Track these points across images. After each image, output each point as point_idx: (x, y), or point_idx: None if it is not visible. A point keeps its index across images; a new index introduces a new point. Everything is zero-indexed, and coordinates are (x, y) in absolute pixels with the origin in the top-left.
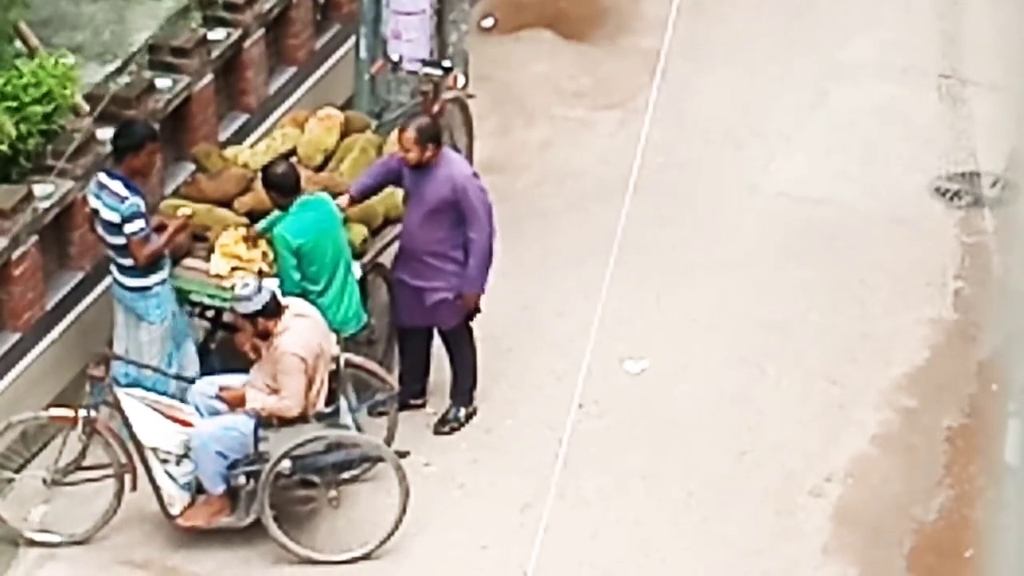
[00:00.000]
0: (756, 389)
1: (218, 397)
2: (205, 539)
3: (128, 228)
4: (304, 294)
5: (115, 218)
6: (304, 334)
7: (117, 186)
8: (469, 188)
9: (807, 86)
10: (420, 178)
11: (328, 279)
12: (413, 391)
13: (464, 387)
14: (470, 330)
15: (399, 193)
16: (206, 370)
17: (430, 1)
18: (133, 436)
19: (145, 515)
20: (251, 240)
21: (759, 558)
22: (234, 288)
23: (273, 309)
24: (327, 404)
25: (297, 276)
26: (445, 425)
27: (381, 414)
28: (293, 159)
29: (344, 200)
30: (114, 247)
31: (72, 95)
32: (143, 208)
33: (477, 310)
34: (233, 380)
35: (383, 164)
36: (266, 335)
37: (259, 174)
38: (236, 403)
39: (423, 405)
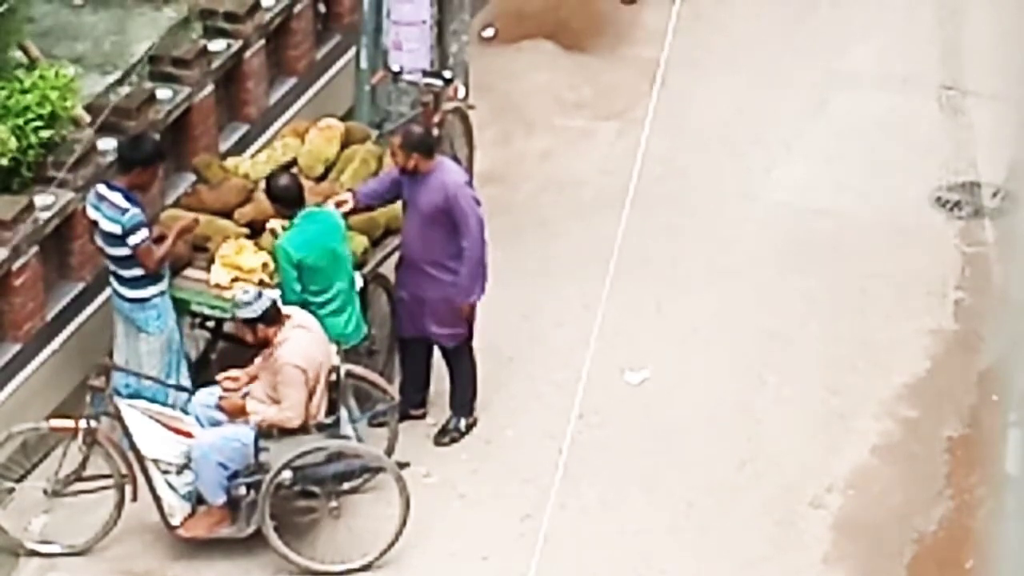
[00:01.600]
0: (756, 399)
1: (218, 407)
2: (206, 550)
3: (133, 240)
4: (305, 305)
5: (116, 229)
6: (304, 345)
7: (117, 198)
8: (460, 196)
9: (807, 95)
10: (416, 186)
11: (331, 292)
12: (413, 402)
13: (464, 398)
14: (469, 342)
15: (399, 205)
16: (207, 380)
17: (431, 12)
18: (134, 447)
19: (146, 526)
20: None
21: (759, 568)
22: (235, 295)
23: (273, 317)
24: (328, 415)
25: (298, 288)
26: (445, 436)
27: (381, 424)
28: (294, 170)
29: (347, 197)
30: (113, 258)
31: (73, 106)
32: (144, 218)
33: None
34: None
35: (389, 172)
36: (265, 343)
37: (260, 185)
38: (236, 413)
39: (423, 416)
